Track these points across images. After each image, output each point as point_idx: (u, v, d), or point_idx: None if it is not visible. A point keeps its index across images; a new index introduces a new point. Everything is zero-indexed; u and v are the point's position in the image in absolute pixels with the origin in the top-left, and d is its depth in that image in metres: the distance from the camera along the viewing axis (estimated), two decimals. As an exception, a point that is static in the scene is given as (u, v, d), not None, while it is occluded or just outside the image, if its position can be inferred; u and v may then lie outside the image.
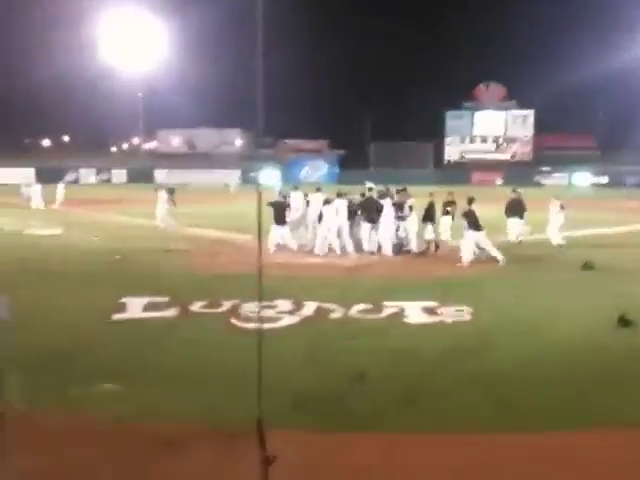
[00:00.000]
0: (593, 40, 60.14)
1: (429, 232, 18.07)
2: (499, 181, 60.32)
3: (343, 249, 17.56)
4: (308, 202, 19.00)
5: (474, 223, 16.11)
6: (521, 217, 19.57)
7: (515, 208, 19.50)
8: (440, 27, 68.33)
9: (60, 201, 32.24)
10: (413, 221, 17.82)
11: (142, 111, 69.32)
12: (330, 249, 17.67)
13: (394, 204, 17.85)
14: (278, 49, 70.27)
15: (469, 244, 16.26)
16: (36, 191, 31.97)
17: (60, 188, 32.86)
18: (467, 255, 16.15)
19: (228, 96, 71.62)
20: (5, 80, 68.66)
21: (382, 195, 18.32)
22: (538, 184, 58.82)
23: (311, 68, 70.38)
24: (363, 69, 67.66)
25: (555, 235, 19.52)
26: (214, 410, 7.04)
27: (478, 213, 16.39)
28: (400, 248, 17.90)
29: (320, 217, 17.82)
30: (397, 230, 17.98)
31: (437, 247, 18.23)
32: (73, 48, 61.99)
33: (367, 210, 17.70)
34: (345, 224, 17.70)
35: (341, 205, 17.69)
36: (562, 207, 19.75)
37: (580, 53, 59.18)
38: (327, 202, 17.83)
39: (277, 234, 17.86)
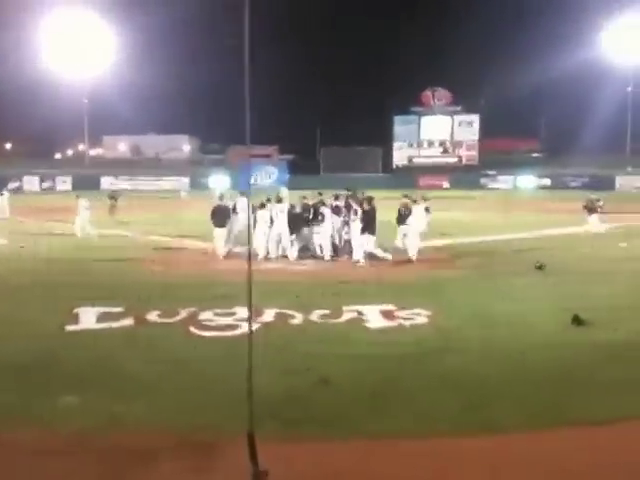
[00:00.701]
0: (539, 44, 61.93)
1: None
2: (446, 185, 61.38)
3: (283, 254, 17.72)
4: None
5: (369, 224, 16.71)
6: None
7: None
8: (388, 32, 69.16)
9: (5, 210, 30.98)
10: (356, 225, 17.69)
11: (87, 117, 67.97)
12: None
13: (336, 207, 17.99)
14: (225, 55, 69.88)
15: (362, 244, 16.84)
16: None
17: (5, 197, 31.73)
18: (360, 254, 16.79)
19: (175, 102, 70.99)
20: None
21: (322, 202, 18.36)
22: (484, 187, 60.16)
23: (260, 73, 70.24)
24: (312, 74, 67.98)
25: (415, 242, 17.95)
26: (190, 420, 6.91)
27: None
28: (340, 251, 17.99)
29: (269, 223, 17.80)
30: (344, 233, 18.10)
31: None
32: (15, 51, 60.34)
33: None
34: (285, 230, 17.74)
35: (280, 210, 17.76)
36: (427, 210, 19.31)
37: (526, 57, 60.88)
38: (262, 207, 17.86)
39: (221, 238, 17.97)
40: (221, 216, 18.09)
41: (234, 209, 18.67)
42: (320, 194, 18.92)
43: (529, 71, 57.90)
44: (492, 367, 8.61)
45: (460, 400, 7.47)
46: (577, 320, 10.38)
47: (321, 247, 17.68)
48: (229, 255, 17.85)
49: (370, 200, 17.71)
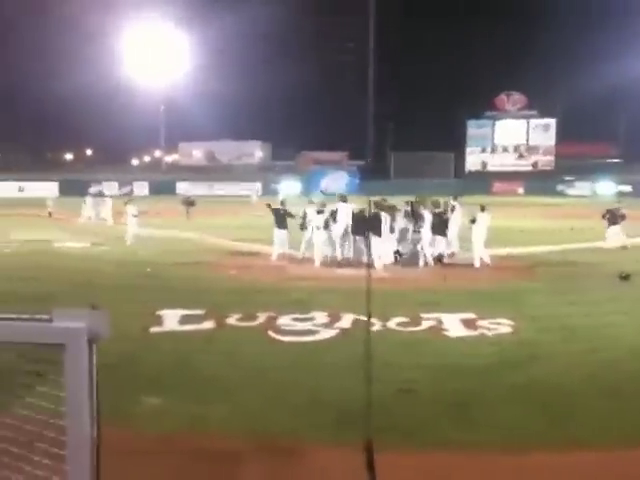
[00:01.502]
0: (615, 48, 59.75)
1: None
2: (521, 190, 59.95)
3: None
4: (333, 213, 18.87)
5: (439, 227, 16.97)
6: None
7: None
8: (460, 35, 68.12)
9: (110, 216, 30.08)
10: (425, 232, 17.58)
11: (163, 124, 69.90)
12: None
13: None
14: (298, 61, 70.68)
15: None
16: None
17: (108, 202, 31.26)
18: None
19: (248, 109, 72.13)
20: (28, 94, 69.69)
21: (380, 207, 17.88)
22: (562, 193, 58.38)
23: (331, 80, 70.60)
24: (383, 78, 67.62)
25: (480, 250, 17.77)
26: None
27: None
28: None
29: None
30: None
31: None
32: (96, 62, 62.79)
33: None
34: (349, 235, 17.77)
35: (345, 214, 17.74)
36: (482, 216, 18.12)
37: (602, 61, 58.79)
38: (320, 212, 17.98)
39: (279, 240, 18.35)
40: (281, 218, 18.42)
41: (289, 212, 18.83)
42: (384, 200, 18.66)
43: (606, 74, 55.84)
44: (577, 380, 8.28)
45: (544, 414, 7.22)
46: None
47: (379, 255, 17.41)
48: (282, 258, 18.16)
49: (438, 203, 17.60)
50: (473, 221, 17.60)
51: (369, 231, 17.07)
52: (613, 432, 6.74)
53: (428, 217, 17.50)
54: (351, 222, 17.61)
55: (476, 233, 17.58)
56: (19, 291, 12.95)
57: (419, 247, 17.61)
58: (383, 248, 17.27)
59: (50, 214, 33.46)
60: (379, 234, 16.76)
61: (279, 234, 18.51)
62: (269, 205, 19.31)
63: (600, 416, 7.15)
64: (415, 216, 17.75)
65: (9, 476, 2.96)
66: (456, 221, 18.64)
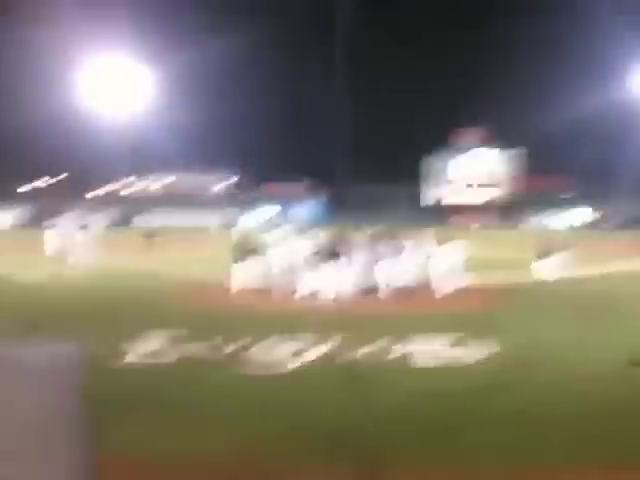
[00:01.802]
0: (577, 81, 61.57)
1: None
2: (476, 225, 60.93)
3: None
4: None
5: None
6: None
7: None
8: (420, 68, 69.53)
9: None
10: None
11: (123, 155, 69.29)
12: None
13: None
14: (261, 92, 71.02)
15: None
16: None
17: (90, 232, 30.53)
18: None
19: (210, 140, 72.14)
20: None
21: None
22: (518, 226, 59.66)
23: (294, 111, 71.28)
24: (341, 110, 68.44)
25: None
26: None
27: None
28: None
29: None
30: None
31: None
32: (56, 94, 62.17)
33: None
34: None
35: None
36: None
37: (563, 94, 60.55)
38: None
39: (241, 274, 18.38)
40: (242, 252, 18.62)
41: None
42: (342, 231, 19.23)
43: (566, 107, 57.54)
44: (556, 407, 8.42)
45: (521, 440, 7.30)
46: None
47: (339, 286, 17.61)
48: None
49: (394, 235, 18.67)
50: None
51: (327, 261, 17.37)
52: (585, 455, 6.87)
53: (384, 249, 17.88)
54: (308, 253, 17.90)
55: (436, 264, 17.94)
56: None
57: (377, 278, 17.82)
58: (340, 278, 17.49)
59: None
60: (336, 264, 17.09)
61: (239, 267, 18.56)
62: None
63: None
64: (371, 248, 18.08)
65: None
66: (411, 253, 18.95)
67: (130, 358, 10.73)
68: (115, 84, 62.94)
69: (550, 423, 7.83)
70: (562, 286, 19.35)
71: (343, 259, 17.54)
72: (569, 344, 11.75)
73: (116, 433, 7.20)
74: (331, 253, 17.60)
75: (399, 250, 18.32)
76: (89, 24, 58.56)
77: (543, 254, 21.64)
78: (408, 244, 18.94)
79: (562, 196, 69.84)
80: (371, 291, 17.69)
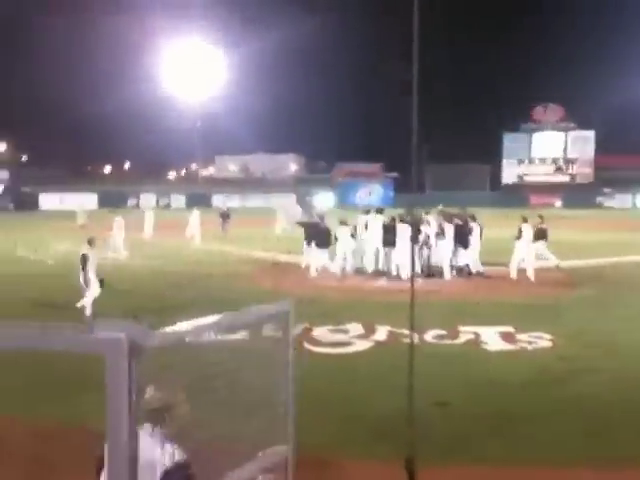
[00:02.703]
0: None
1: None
2: (558, 203, 59.03)
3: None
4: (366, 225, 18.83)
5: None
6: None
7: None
8: (497, 47, 67.66)
9: (151, 229, 29.83)
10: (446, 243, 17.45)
11: (200, 138, 70.74)
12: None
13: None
14: (331, 74, 70.87)
15: None
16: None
17: (149, 215, 30.66)
18: None
19: (282, 122, 72.69)
20: (67, 109, 71.33)
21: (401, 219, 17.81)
22: (600, 206, 57.35)
23: (364, 92, 70.74)
24: (419, 89, 67.34)
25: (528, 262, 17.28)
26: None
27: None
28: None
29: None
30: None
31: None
32: (133, 77, 64.04)
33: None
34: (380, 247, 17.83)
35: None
36: (542, 230, 17.62)
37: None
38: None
39: (316, 257, 18.14)
40: (322, 237, 18.02)
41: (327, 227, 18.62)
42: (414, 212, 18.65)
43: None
44: (619, 396, 8.07)
45: (583, 429, 7.04)
46: None
47: (398, 266, 17.29)
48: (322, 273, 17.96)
49: (461, 216, 17.98)
50: (518, 237, 17.34)
51: (396, 243, 17.11)
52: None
53: (450, 229, 17.42)
54: (381, 234, 17.65)
55: (518, 246, 17.32)
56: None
57: (441, 259, 17.48)
58: (407, 259, 17.19)
59: (82, 226, 33.72)
60: (405, 245, 16.74)
61: (312, 249, 18.30)
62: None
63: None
64: (439, 228, 17.74)
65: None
66: (477, 233, 18.44)
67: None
68: (192, 67, 64.10)
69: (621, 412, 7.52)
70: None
71: (412, 240, 17.26)
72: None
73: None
74: (401, 234, 17.35)
75: (468, 231, 17.86)
76: (165, 8, 59.77)
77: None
78: (477, 225, 18.48)
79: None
80: (440, 272, 17.42)
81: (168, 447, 3.03)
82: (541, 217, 18.40)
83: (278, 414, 3.48)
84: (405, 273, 16.60)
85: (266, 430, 3.31)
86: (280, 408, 3.54)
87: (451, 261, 17.68)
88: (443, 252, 17.43)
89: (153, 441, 2.99)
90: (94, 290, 12.59)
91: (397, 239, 17.01)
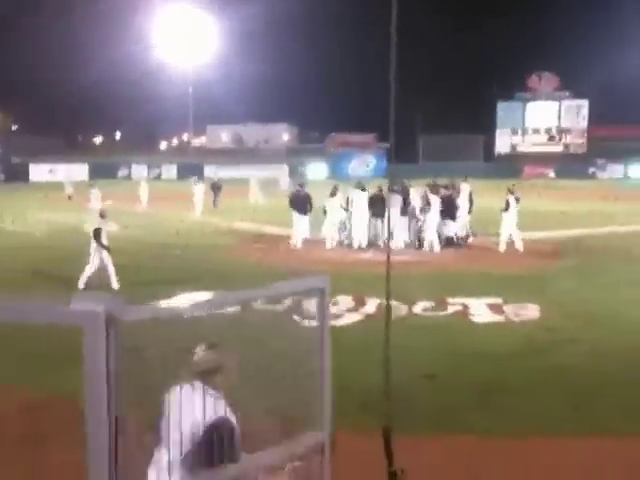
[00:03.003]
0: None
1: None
2: (552, 174, 59.04)
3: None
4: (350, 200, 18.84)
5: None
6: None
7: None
8: (489, 17, 66.98)
9: (145, 200, 30.35)
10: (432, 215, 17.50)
11: (191, 107, 70.12)
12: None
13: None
14: (324, 43, 70.11)
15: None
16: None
17: (143, 185, 31.35)
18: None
19: (275, 92, 72.07)
20: (57, 78, 70.43)
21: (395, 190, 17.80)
22: (593, 177, 57.39)
23: (357, 61, 70.08)
24: (410, 60, 66.87)
25: (509, 233, 17.39)
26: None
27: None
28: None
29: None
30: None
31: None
32: (124, 46, 63.15)
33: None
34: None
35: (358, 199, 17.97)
36: (517, 200, 17.59)
37: (636, 40, 57.36)
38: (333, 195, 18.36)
39: (301, 226, 18.37)
40: (301, 203, 18.33)
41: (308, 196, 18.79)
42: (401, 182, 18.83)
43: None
44: (603, 367, 8.16)
45: (568, 400, 7.14)
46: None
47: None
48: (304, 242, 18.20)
49: (448, 187, 18.18)
50: (506, 209, 17.35)
51: (383, 214, 17.20)
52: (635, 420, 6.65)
53: (435, 200, 17.41)
54: (367, 207, 17.79)
55: (505, 217, 17.36)
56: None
57: (427, 230, 17.58)
58: (397, 230, 17.33)
59: (70, 197, 33.58)
60: (393, 215, 16.83)
61: (298, 219, 18.45)
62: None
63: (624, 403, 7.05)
64: (425, 200, 17.77)
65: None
66: (464, 203, 18.52)
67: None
68: (184, 34, 63.27)
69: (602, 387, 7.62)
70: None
71: (399, 211, 17.33)
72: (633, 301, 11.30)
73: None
74: (387, 205, 17.37)
75: (454, 203, 17.93)
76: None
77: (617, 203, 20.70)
78: (464, 196, 18.56)
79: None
80: (425, 244, 17.51)
81: (218, 404, 3.11)
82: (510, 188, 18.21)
83: (312, 395, 3.48)
84: (394, 244, 16.63)
85: (298, 411, 3.33)
86: (313, 389, 3.45)
87: (439, 232, 17.73)
88: (429, 224, 17.45)
89: (202, 398, 3.06)
90: (107, 263, 12.54)
91: (385, 210, 17.06)
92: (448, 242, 17.85)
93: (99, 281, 12.32)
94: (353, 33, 69.36)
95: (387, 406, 4.31)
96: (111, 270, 12.56)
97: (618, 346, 8.95)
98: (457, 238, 18.10)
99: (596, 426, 6.53)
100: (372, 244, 17.79)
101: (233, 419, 3.14)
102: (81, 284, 12.32)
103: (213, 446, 2.97)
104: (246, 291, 3.14)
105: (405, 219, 17.66)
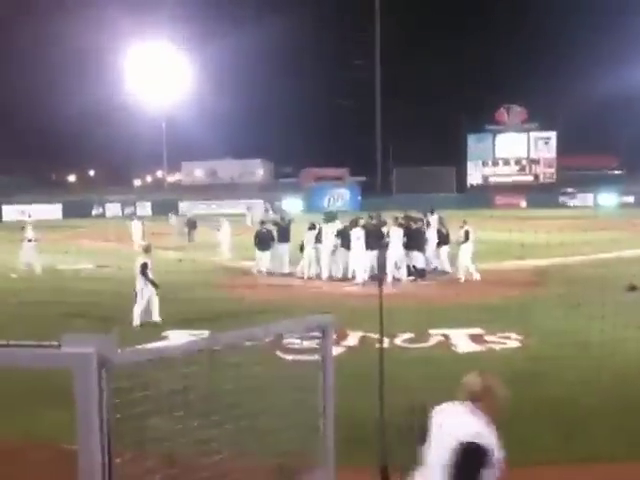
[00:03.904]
0: (614, 58, 59.99)
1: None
2: (523, 204, 59.96)
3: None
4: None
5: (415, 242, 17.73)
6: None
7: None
8: (459, 50, 68.52)
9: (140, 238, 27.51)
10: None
11: (165, 144, 70.21)
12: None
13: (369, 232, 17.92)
14: (297, 78, 70.98)
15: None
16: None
17: (136, 224, 29.91)
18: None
19: (249, 127, 72.54)
20: (31, 115, 70.13)
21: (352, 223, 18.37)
22: (563, 205, 58.41)
23: (330, 96, 70.97)
24: (382, 94, 67.83)
25: (469, 264, 17.81)
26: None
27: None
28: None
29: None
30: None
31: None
32: (98, 82, 63.27)
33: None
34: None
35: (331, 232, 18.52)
36: (467, 233, 17.91)
37: (601, 73, 59.03)
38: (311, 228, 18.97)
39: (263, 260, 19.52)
40: (265, 240, 19.46)
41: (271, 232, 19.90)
42: (372, 217, 19.30)
43: (605, 85, 56.01)
44: (588, 394, 8.21)
45: (555, 428, 7.16)
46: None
47: (354, 270, 17.80)
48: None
49: (411, 219, 18.66)
50: (465, 239, 17.68)
51: (356, 246, 17.55)
52: (624, 447, 6.68)
53: (398, 232, 17.62)
54: (336, 239, 18.27)
55: (464, 248, 17.71)
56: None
57: (393, 262, 17.75)
58: (362, 263, 17.59)
59: (30, 240, 30.79)
60: (356, 249, 17.40)
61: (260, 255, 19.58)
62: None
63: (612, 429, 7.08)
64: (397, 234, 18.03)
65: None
66: (433, 236, 18.75)
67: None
68: (157, 71, 63.59)
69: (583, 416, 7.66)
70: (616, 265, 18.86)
71: (371, 244, 17.52)
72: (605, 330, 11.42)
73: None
74: (359, 238, 17.60)
75: (421, 235, 18.26)
76: (130, 10, 59.18)
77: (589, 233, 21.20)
78: (433, 229, 18.85)
79: (609, 173, 68.19)
80: (399, 277, 17.66)
81: (480, 425, 3.38)
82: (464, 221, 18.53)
83: (313, 434, 3.58)
84: (360, 277, 17.23)
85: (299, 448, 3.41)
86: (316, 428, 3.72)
87: (399, 264, 17.89)
88: (389, 257, 17.52)
89: (468, 416, 3.42)
90: (152, 297, 12.72)
91: (352, 243, 17.37)
92: (418, 274, 17.95)
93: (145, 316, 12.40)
94: (326, 69, 70.31)
95: (382, 442, 4.32)
96: (155, 304, 12.59)
97: (601, 375, 9.01)
98: (419, 270, 18.18)
99: (584, 455, 6.54)
100: (344, 278, 18.11)
101: (490, 442, 3.34)
102: (137, 320, 12.41)
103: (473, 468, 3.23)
104: (252, 330, 3.17)
105: (370, 252, 17.71)
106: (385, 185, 67.20)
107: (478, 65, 69.42)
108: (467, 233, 17.65)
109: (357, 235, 17.48)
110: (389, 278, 17.31)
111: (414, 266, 18.04)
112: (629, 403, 7.85)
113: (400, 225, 18.00)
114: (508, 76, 67.58)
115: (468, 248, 17.62)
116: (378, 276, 17.28)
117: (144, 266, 12.61)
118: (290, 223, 20.17)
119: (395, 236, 17.45)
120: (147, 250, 13.08)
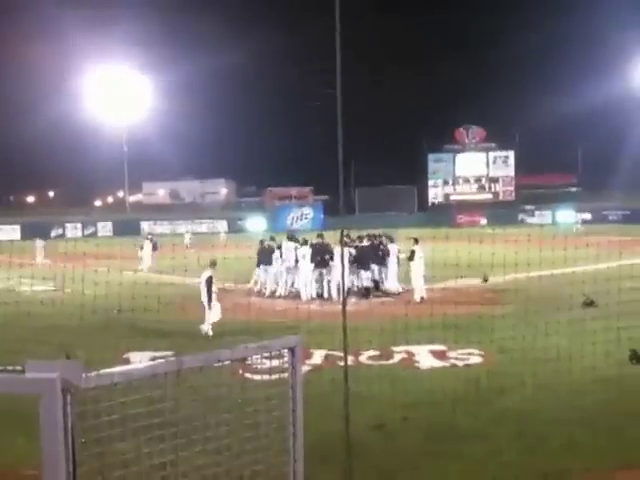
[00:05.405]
0: (572, 78, 61.66)
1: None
2: (483, 221, 60.92)
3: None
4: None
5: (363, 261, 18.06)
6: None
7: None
8: (419, 71, 69.68)
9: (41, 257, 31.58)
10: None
11: (126, 164, 69.52)
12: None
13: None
14: (258, 97, 71.13)
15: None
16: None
17: (39, 244, 32.93)
18: None
19: (211, 147, 72.40)
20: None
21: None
22: (522, 223, 59.51)
23: (292, 116, 71.38)
24: (344, 113, 68.48)
25: (420, 284, 17.96)
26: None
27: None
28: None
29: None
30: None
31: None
32: (57, 103, 62.48)
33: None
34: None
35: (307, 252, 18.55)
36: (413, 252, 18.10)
37: (558, 91, 60.66)
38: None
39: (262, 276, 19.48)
40: (265, 255, 19.33)
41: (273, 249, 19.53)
42: (320, 235, 19.35)
43: (562, 104, 57.55)
44: (549, 408, 8.39)
45: (517, 443, 7.30)
46: (637, 357, 10.07)
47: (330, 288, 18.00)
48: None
49: (363, 238, 19.23)
50: (410, 258, 17.85)
51: (318, 264, 17.88)
52: (580, 460, 6.84)
53: (344, 251, 17.80)
54: (301, 257, 18.40)
55: (413, 266, 17.87)
56: None
57: (365, 281, 18.06)
58: (307, 280, 18.01)
59: None
60: (304, 267, 17.87)
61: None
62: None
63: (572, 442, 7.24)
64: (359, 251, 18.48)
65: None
66: (390, 255, 19.03)
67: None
68: (118, 92, 63.12)
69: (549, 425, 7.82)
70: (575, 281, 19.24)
71: (332, 262, 17.68)
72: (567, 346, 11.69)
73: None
74: (322, 257, 17.76)
75: (387, 253, 18.51)
76: (90, 32, 58.82)
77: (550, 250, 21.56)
78: (394, 247, 19.07)
79: (567, 191, 69.82)
80: (360, 293, 17.82)
81: None
82: (416, 240, 18.68)
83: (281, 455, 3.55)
84: (304, 295, 17.72)
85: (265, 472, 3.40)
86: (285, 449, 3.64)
87: (353, 283, 18.14)
88: (333, 275, 17.74)
89: None
90: (216, 311, 13.41)
91: (299, 262, 18.06)
92: (365, 292, 18.14)
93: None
94: (289, 90, 70.74)
95: (348, 462, 4.36)
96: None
97: (560, 388, 9.21)
98: (366, 288, 18.39)
99: (546, 468, 6.68)
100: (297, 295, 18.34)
101: None
102: (210, 332, 13.12)
103: None
104: (219, 352, 3.20)
105: (318, 271, 18.00)
106: (348, 204, 67.62)
107: (437, 87, 70.73)
108: (412, 252, 17.80)
109: (302, 253, 17.71)
110: (334, 296, 17.39)
111: (363, 285, 18.30)
112: (584, 416, 8.04)
113: (345, 244, 18.14)
114: (467, 97, 69.01)
115: (418, 267, 17.75)
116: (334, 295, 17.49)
117: (210, 279, 13.42)
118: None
119: (340, 255, 17.59)
120: (213, 264, 13.90)
